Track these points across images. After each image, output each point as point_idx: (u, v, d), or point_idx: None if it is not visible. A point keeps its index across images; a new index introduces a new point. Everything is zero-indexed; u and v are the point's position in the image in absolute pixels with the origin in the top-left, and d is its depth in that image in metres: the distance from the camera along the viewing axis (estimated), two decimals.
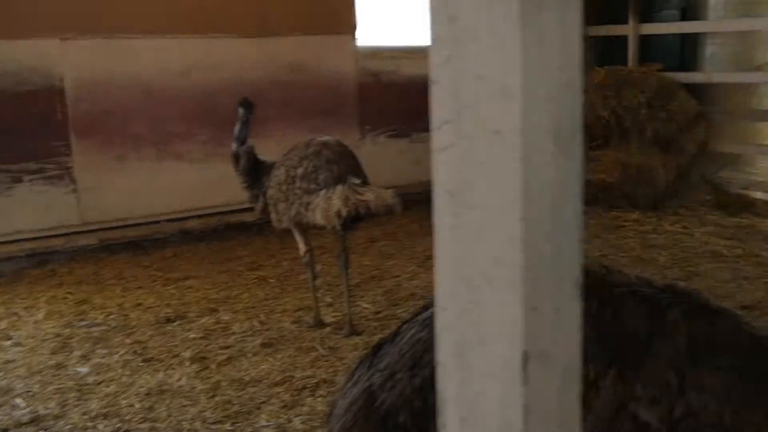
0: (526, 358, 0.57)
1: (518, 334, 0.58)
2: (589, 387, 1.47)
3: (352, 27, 6.98)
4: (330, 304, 4.75)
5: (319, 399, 3.44)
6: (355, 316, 4.47)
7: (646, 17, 7.95)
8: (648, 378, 1.46)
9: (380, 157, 7.33)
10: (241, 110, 4.44)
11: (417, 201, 7.65)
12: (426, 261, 5.69)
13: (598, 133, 7.40)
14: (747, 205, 7.01)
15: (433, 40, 0.62)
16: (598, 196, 6.93)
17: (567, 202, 0.62)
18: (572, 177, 0.62)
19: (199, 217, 6.38)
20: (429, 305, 1.80)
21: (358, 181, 3.91)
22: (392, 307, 4.71)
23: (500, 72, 0.60)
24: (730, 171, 7.69)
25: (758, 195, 7.34)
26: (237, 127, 4.46)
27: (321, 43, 6.72)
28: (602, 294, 1.55)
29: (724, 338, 1.50)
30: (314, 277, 4.46)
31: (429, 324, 1.69)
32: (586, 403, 1.48)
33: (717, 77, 7.43)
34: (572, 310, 0.62)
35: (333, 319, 4.49)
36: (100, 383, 3.64)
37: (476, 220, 0.62)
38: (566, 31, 0.60)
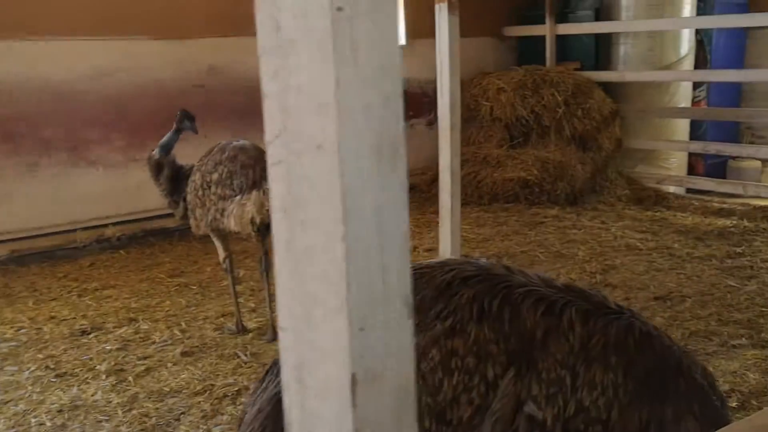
0: (354, 380, 0.57)
1: (346, 356, 0.58)
2: (489, 387, 1.49)
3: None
4: (253, 310, 4.69)
5: (240, 407, 3.38)
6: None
7: (562, 18, 8.16)
8: (543, 377, 1.49)
9: None
10: (186, 122, 4.34)
11: None
12: None
13: (518, 132, 7.57)
14: (661, 199, 7.29)
15: (261, 51, 0.61)
16: (519, 194, 7.08)
17: (393, 219, 0.62)
18: (397, 193, 0.62)
19: (118, 224, 6.20)
20: None
21: None
22: None
23: (318, 85, 0.59)
24: (645, 166, 7.98)
25: (671, 189, 7.65)
26: (167, 136, 4.35)
27: (239, 44, 6.61)
28: (502, 294, 1.58)
29: (616, 337, 1.54)
30: (235, 283, 4.39)
31: None
32: (487, 403, 1.50)
33: (629, 76, 7.69)
34: (403, 329, 0.62)
35: (256, 325, 4.43)
36: (7, 402, 3.48)
37: (306, 238, 0.61)
38: (383, 43, 0.60)
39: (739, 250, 5.62)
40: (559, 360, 1.50)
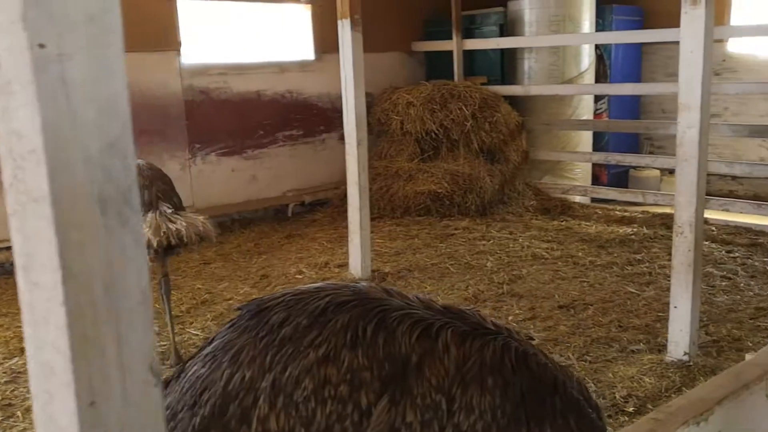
0: None
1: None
2: (363, 415, 1.46)
3: (176, 44, 6.75)
4: (157, 333, 4.52)
5: None
6: (183, 344, 4.28)
7: (468, 33, 8.32)
8: (419, 402, 1.47)
9: (213, 176, 7.14)
10: None
11: (254, 219, 7.58)
12: (260, 281, 5.58)
13: (429, 146, 7.64)
14: (566, 209, 7.49)
15: None
16: (430, 206, 7.14)
17: (126, 278, 0.57)
18: (131, 250, 0.57)
19: (8, 249, 5.88)
20: (212, 338, 1.72)
21: (170, 209, 3.74)
22: None
23: (29, 131, 0.53)
24: (551, 177, 8.20)
25: (576, 199, 7.88)
26: None
27: (144, 60, 6.44)
28: (377, 319, 1.55)
29: (492, 358, 1.54)
30: None
31: (209, 360, 1.62)
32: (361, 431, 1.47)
33: (534, 90, 7.90)
34: (148, 398, 0.57)
35: (160, 350, 4.27)
36: None
37: (39, 301, 0.55)
38: (103, 84, 0.55)
39: (638, 257, 5.82)
40: (434, 385, 1.48)
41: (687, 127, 3.56)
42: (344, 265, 5.71)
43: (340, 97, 5.48)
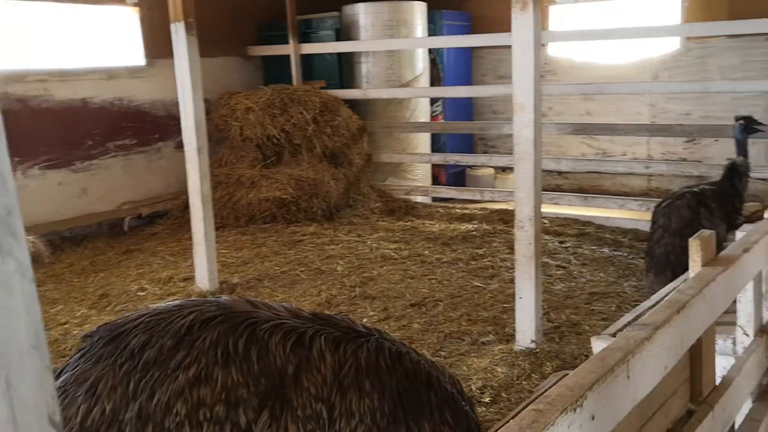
0: None
1: None
2: None
3: None
4: None
5: None
6: None
7: (305, 37, 8.28)
8: (299, 414, 1.41)
9: (37, 191, 6.58)
10: None
11: (87, 236, 7.06)
12: (99, 300, 5.21)
13: (271, 151, 7.52)
14: (410, 209, 7.67)
15: None
16: (276, 213, 7.02)
17: (13, 317, 0.47)
18: (16, 282, 0.47)
19: None
20: (58, 371, 1.55)
21: None
22: (61, 360, 4.19)
23: None
24: (394, 179, 8.36)
25: (419, 199, 8.08)
26: None
27: None
28: (248, 333, 1.47)
29: (367, 361, 1.51)
30: None
31: (59, 396, 1.45)
32: None
33: (372, 93, 8.01)
34: None
35: None
36: None
37: None
38: None
39: (481, 251, 6.06)
40: (313, 394, 1.43)
41: (522, 126, 3.74)
42: (190, 279, 5.46)
43: (175, 104, 5.24)
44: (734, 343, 2.32)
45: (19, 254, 0.47)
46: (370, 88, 8.13)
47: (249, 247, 6.39)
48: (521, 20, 3.63)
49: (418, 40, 8.06)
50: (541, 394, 2.63)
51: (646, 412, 1.65)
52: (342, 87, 8.24)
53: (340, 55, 8.32)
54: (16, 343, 0.46)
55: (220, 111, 7.58)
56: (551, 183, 9.16)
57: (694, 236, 1.84)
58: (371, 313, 4.74)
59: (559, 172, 8.98)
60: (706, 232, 1.87)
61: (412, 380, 1.55)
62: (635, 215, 6.71)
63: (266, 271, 5.74)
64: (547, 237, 6.46)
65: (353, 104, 8.08)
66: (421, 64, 8.26)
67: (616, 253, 5.98)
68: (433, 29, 8.45)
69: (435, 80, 8.64)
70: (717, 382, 1.97)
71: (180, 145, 5.37)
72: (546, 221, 6.98)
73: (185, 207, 6.14)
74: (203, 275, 5.29)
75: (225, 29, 8.05)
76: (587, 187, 8.85)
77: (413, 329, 4.46)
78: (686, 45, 8.11)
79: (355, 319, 4.88)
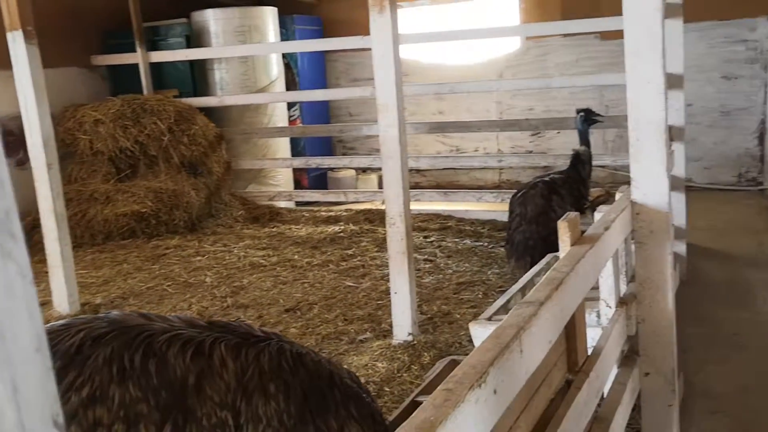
0: None
1: None
2: None
3: None
4: None
5: None
6: None
7: (153, 45, 8.00)
8: (205, 424, 1.39)
9: None
10: None
11: None
12: None
13: (125, 164, 7.20)
14: (275, 215, 7.61)
15: None
16: (135, 228, 6.73)
17: (15, 320, 0.46)
18: (18, 285, 0.45)
19: None
20: None
21: None
22: None
23: None
24: (256, 185, 8.26)
25: (282, 204, 8.04)
26: None
27: None
28: (144, 346, 1.43)
29: (269, 364, 1.52)
30: None
31: None
32: None
33: (228, 100, 7.88)
34: None
35: None
36: None
37: None
38: None
39: (350, 252, 6.14)
40: (217, 402, 1.41)
41: (387, 126, 3.83)
42: (47, 303, 5.12)
43: (14, 119, 4.90)
44: (598, 316, 2.53)
45: (18, 256, 0.45)
46: (225, 95, 7.99)
47: (109, 265, 6.09)
48: (380, 23, 3.72)
49: (271, 45, 8.02)
50: (432, 380, 2.73)
51: (533, 384, 1.76)
52: (196, 95, 8.04)
53: (192, 62, 8.11)
54: (21, 346, 0.44)
55: (66, 125, 7.15)
56: (411, 181, 9.39)
57: (562, 218, 1.99)
58: (246, 322, 4.67)
59: (418, 170, 9.27)
60: (572, 214, 2.03)
61: (315, 379, 1.57)
62: (492, 207, 7.06)
63: (130, 288, 5.50)
64: (413, 233, 6.64)
65: (209, 112, 7.90)
66: (275, 69, 8.23)
67: (477, 243, 6.26)
68: (285, 34, 8.43)
69: (291, 85, 8.64)
70: (589, 353, 2.14)
71: (21, 163, 5.03)
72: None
73: (32, 228, 5.74)
74: (62, 298, 4.99)
75: (65, 38, 7.61)
76: (444, 183, 9.19)
77: (291, 334, 4.44)
78: (526, 44, 8.63)
79: None
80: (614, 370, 2.47)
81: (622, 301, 2.49)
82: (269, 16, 8.08)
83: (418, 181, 9.39)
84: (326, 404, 1.54)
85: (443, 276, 5.42)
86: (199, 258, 6.19)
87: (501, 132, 8.72)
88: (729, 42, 7.99)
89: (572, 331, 2.00)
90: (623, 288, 2.64)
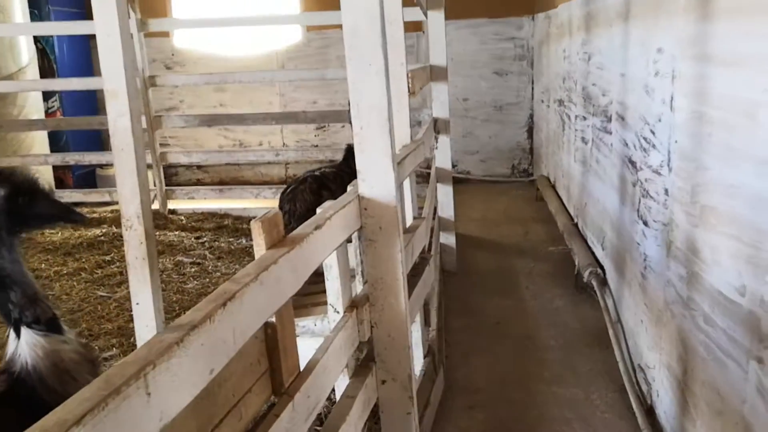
0: None
1: None
2: None
3: None
4: None
5: None
6: None
7: None
8: None
9: None
10: None
11: None
12: None
13: None
14: None
15: None
16: None
17: None
18: None
19: None
20: None
21: None
22: None
23: None
24: None
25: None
26: None
27: None
28: None
29: None
30: None
31: None
32: None
33: None
34: None
35: None
36: None
37: None
38: None
39: (108, 258, 5.54)
40: None
41: (118, 115, 3.36)
42: None
43: None
44: (329, 323, 2.29)
45: None
46: None
47: None
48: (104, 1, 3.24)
49: (20, 27, 7.07)
50: None
51: (209, 421, 1.45)
52: None
53: None
54: None
55: None
56: (192, 178, 8.87)
57: (256, 219, 1.71)
58: None
59: (199, 166, 8.73)
60: (270, 213, 1.75)
61: None
62: (271, 203, 6.74)
63: None
64: (183, 234, 6.17)
65: None
66: (26, 54, 7.29)
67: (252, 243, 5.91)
68: (38, 16, 7.51)
69: (47, 73, 7.72)
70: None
71: None
72: (182, 218, 6.68)
73: None
74: None
75: None
76: (228, 179, 8.74)
77: None
78: (308, 36, 8.41)
79: None
80: (346, 381, 2.25)
81: (353, 305, 2.27)
82: None
83: (200, 177, 8.85)
84: None
85: (209, 280, 5.02)
86: None
87: (286, 125, 8.44)
88: (499, 39, 8.31)
89: (275, 348, 1.72)
90: (356, 289, 2.43)
